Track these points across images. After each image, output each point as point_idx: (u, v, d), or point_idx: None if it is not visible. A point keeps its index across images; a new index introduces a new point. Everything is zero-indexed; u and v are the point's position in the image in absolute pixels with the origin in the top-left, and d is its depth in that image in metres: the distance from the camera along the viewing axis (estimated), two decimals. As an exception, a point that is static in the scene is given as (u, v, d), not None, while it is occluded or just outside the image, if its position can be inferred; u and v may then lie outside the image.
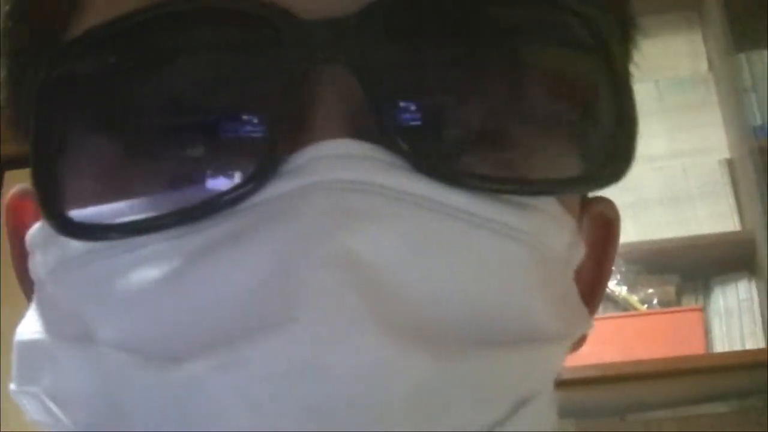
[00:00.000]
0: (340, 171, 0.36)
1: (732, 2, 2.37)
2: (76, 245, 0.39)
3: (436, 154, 0.37)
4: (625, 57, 0.42)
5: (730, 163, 2.32)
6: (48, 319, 0.41)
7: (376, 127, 0.37)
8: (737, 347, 2.14)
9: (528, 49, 0.40)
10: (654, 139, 2.27)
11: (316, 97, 0.37)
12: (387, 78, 0.37)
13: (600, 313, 0.51)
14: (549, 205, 0.40)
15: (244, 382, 0.34)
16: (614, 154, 0.40)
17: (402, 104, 0.37)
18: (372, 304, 0.34)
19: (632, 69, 0.51)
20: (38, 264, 0.42)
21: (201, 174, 0.38)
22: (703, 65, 2.46)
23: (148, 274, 0.37)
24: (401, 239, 0.35)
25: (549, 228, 0.40)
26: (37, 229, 0.42)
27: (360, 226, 0.35)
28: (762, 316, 2.17)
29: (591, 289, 0.50)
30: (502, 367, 0.37)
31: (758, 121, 2.33)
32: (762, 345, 2.12)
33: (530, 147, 0.40)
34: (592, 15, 0.39)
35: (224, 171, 0.37)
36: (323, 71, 0.37)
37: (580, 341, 0.50)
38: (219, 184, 0.37)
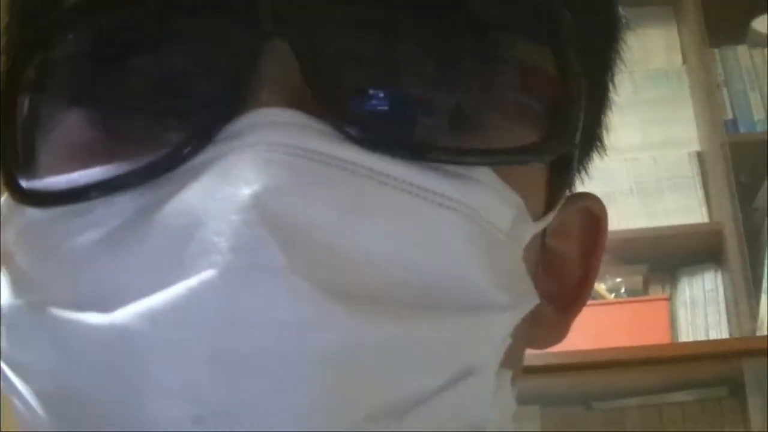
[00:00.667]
0: (270, 135, 0.37)
1: (707, -3, 2.40)
2: (33, 213, 0.40)
3: (368, 124, 0.38)
4: (572, 39, 0.41)
5: (700, 156, 2.35)
6: (12, 288, 0.42)
7: (312, 97, 0.38)
8: (702, 337, 2.17)
9: (468, 21, 0.41)
10: (626, 131, 2.29)
11: (259, 69, 0.38)
12: (322, 51, 0.38)
13: (567, 300, 0.52)
14: (489, 178, 0.40)
15: (165, 330, 0.35)
16: (551, 132, 0.41)
17: (337, 76, 0.39)
18: (293, 260, 0.34)
19: (618, 63, 0.52)
20: (6, 235, 0.43)
21: (144, 141, 0.39)
22: (678, 59, 2.49)
23: (91, 237, 0.38)
24: (327, 201, 0.36)
25: (489, 201, 0.40)
26: (4, 201, 0.43)
27: (285, 185, 0.36)
28: (726, 306, 2.19)
29: (580, 284, 0.52)
30: (437, 334, 0.38)
31: (729, 116, 2.36)
32: (725, 335, 2.15)
33: (465, 119, 0.41)
34: (544, 3, 0.41)
35: (166, 137, 0.38)
36: (267, 45, 0.38)
37: (557, 336, 0.51)
38: (160, 149, 0.38)
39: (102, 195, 0.38)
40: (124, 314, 0.36)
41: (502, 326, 0.40)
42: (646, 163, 2.31)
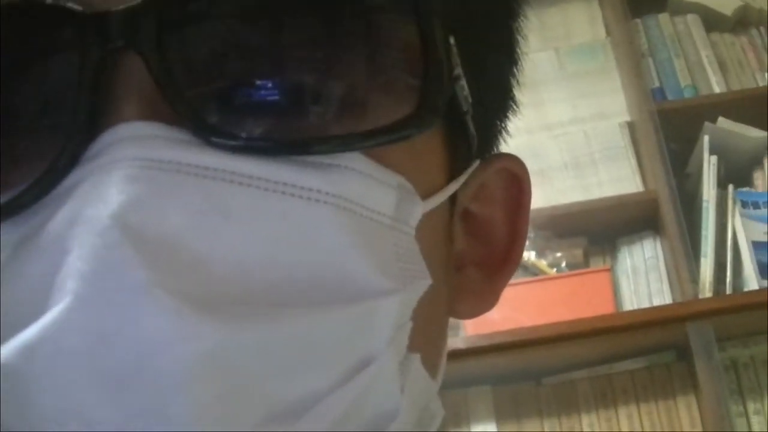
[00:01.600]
0: (128, 150, 0.36)
1: (626, -32, 2.42)
2: None
3: (223, 126, 0.38)
4: (438, 18, 0.41)
5: (631, 126, 2.37)
6: None
7: (166, 107, 0.38)
8: (645, 304, 2.19)
9: (324, 8, 0.40)
10: (555, 107, 2.31)
11: (113, 84, 0.38)
12: (172, 59, 0.38)
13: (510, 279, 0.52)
14: (360, 164, 0.40)
15: (41, 361, 0.35)
16: (415, 107, 0.40)
17: (188, 82, 0.38)
18: (155, 275, 0.34)
19: (530, 37, 0.52)
20: None
21: (14, 170, 0.39)
22: (601, 32, 2.50)
23: None
24: (188, 211, 0.36)
25: (360, 186, 0.39)
26: None
27: (143, 201, 0.35)
28: (667, 273, 2.22)
29: (508, 247, 0.51)
30: (320, 330, 0.37)
31: (656, 84, 2.39)
32: (668, 301, 2.18)
33: (324, 105, 0.40)
34: None
35: (33, 166, 0.38)
36: (119, 60, 0.38)
37: (486, 304, 0.51)
38: (29, 177, 0.38)
39: None
40: (5, 350, 0.35)
41: (391, 311, 0.39)
42: (577, 137, 2.33)
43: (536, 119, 2.28)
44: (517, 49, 0.51)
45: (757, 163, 2.32)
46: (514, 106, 0.52)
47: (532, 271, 2.21)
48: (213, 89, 0.39)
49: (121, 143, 0.37)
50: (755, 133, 2.30)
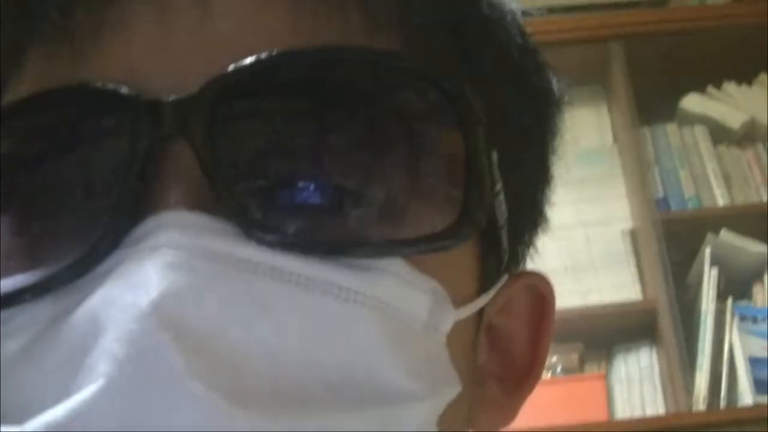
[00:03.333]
0: (172, 238, 0.37)
1: (636, 77, 2.43)
2: None
3: (267, 221, 0.39)
4: (483, 131, 0.41)
5: (633, 234, 2.37)
6: None
7: (211, 198, 0.38)
8: (638, 413, 2.17)
9: (370, 114, 0.41)
10: (559, 210, 2.29)
11: (162, 172, 0.39)
12: (222, 151, 0.39)
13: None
14: (398, 268, 0.40)
15: None
16: (455, 221, 0.40)
17: (234, 175, 0.39)
18: (191, 365, 0.34)
19: (557, 137, 0.52)
20: None
21: (56, 248, 0.39)
22: (608, 138, 2.52)
23: (10, 347, 0.39)
24: (227, 303, 0.36)
25: (397, 290, 0.39)
26: None
27: (184, 290, 0.36)
28: (662, 383, 2.20)
29: (529, 365, 0.50)
30: (349, 429, 0.37)
31: (660, 194, 2.39)
32: (662, 411, 2.16)
33: (368, 211, 0.40)
34: (451, 90, 0.41)
35: (76, 243, 0.38)
36: (167, 148, 0.39)
37: (505, 419, 0.51)
38: (71, 255, 0.38)
39: (14, 304, 0.39)
40: (31, 426, 0.35)
41: (417, 416, 0.39)
42: (579, 241, 2.33)
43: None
44: (552, 168, 0.52)
45: (757, 277, 2.32)
46: (545, 223, 0.53)
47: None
48: (258, 185, 0.40)
49: (165, 230, 0.37)
50: (757, 247, 2.30)
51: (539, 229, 0.52)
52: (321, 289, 0.38)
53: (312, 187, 0.40)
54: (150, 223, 0.38)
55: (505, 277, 0.48)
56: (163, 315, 0.35)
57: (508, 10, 0.48)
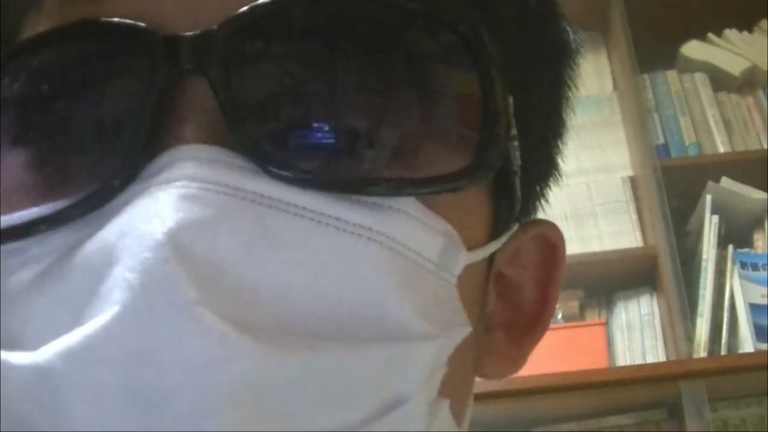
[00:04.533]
0: (188, 171, 0.37)
1: (636, 24, 2.42)
2: None
3: (282, 157, 0.39)
4: (496, 65, 0.42)
5: (633, 181, 2.37)
6: None
7: (227, 133, 0.39)
8: (638, 361, 2.17)
9: (386, 54, 0.42)
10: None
11: (179, 106, 0.39)
12: (239, 87, 0.39)
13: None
14: (412, 208, 0.40)
15: (79, 367, 0.35)
16: (473, 159, 0.41)
17: (250, 111, 0.39)
18: (203, 294, 0.35)
19: (571, 88, 0.53)
20: None
21: (72, 180, 0.40)
22: (608, 85, 2.51)
23: (23, 276, 0.39)
24: (240, 235, 0.37)
25: (410, 230, 0.40)
26: None
27: (198, 222, 0.36)
28: (662, 330, 2.21)
29: (536, 314, 0.51)
30: (356, 365, 0.37)
31: (660, 141, 2.39)
32: (662, 358, 2.17)
33: (383, 149, 0.41)
34: (466, 31, 0.41)
35: (93, 176, 0.39)
36: (184, 84, 0.39)
37: (512, 367, 0.51)
38: (87, 188, 0.39)
39: (31, 235, 0.39)
40: (43, 353, 0.36)
41: (426, 355, 0.40)
42: (579, 189, 2.32)
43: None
44: (564, 118, 0.53)
45: (758, 224, 2.32)
46: (557, 174, 0.53)
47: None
48: (273, 122, 0.40)
49: (181, 163, 0.38)
50: (757, 194, 2.29)
51: (551, 180, 0.53)
52: (334, 225, 0.38)
53: (326, 127, 0.40)
54: (166, 156, 0.38)
55: (515, 226, 0.49)
56: (177, 245, 0.35)
57: None
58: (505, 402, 2.05)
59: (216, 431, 0.35)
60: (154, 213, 0.36)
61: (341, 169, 0.40)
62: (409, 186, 0.40)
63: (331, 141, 0.40)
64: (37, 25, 0.44)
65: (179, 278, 0.35)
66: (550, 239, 0.52)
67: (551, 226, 0.52)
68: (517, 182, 0.46)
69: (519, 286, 0.51)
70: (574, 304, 2.26)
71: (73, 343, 0.35)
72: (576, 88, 0.52)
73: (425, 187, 0.40)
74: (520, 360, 0.51)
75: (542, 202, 0.53)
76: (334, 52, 0.41)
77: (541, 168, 0.51)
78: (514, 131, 0.43)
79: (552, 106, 0.51)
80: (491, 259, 0.47)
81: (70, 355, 0.35)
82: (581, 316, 2.28)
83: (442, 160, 0.41)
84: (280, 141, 0.40)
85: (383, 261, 0.39)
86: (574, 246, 2.23)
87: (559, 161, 0.53)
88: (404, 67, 0.42)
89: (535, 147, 0.48)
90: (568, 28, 0.51)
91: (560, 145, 0.53)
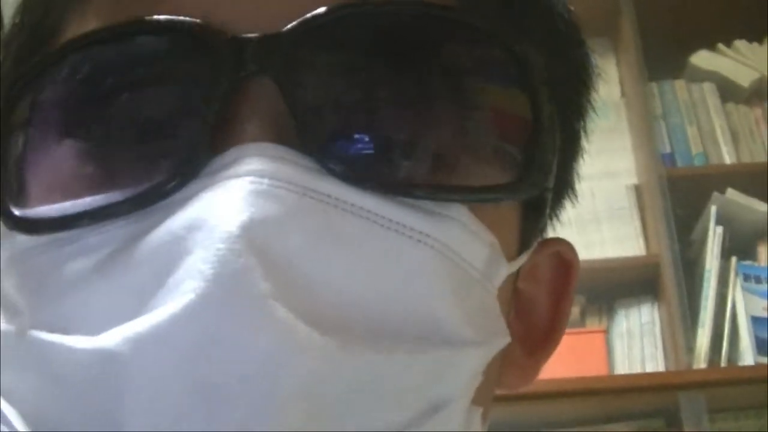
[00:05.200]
0: (256, 167, 0.38)
1: (646, 31, 2.42)
2: (24, 241, 0.42)
3: (346, 159, 0.40)
4: (544, 82, 0.43)
5: (638, 189, 2.37)
6: (2, 314, 0.43)
7: (296, 134, 0.39)
8: (638, 369, 2.18)
9: (443, 67, 0.43)
10: (564, 162, 2.30)
11: (243, 105, 0.40)
12: (306, 89, 0.40)
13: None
14: (464, 217, 0.41)
15: (147, 353, 0.36)
16: (524, 172, 0.42)
17: (317, 113, 0.40)
18: (275, 288, 0.36)
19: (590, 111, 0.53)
20: None
21: (134, 172, 0.40)
22: (616, 91, 2.50)
23: (81, 264, 0.40)
24: (308, 232, 0.38)
25: (462, 238, 0.41)
26: None
27: (270, 217, 0.37)
28: (663, 339, 2.21)
29: (549, 327, 0.52)
30: (407, 367, 0.39)
31: (667, 149, 2.39)
32: (662, 367, 2.17)
33: (441, 159, 0.42)
34: (520, 51, 0.43)
35: (156, 168, 0.40)
36: (249, 84, 0.40)
37: (526, 379, 0.52)
38: (151, 180, 0.40)
39: (92, 223, 0.40)
40: (108, 337, 0.37)
41: (471, 362, 0.41)
42: (583, 195, 2.25)
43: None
44: (583, 142, 0.54)
45: (762, 237, 2.31)
46: (572, 196, 0.55)
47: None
48: (336, 125, 0.41)
49: (250, 158, 0.38)
50: (762, 206, 2.30)
51: (564, 201, 0.55)
52: (394, 228, 0.39)
53: (386, 132, 0.41)
54: (233, 153, 0.39)
55: (534, 244, 0.50)
56: (251, 239, 0.36)
57: None
58: (503, 407, 2.04)
59: (283, 426, 0.36)
60: (226, 206, 0.37)
61: (400, 173, 0.41)
62: (466, 193, 0.42)
63: (391, 146, 0.41)
64: (85, 21, 0.45)
65: (253, 271, 0.36)
66: (566, 257, 0.53)
67: (567, 245, 0.53)
68: (550, 199, 0.49)
69: (533, 301, 0.52)
70: (575, 310, 2.25)
71: (141, 329, 0.36)
72: (595, 113, 0.54)
73: (478, 196, 0.42)
74: (532, 373, 0.52)
75: (555, 221, 0.54)
76: (395, 59, 0.42)
77: (559, 187, 0.52)
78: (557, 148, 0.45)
79: (573, 128, 0.52)
80: (516, 272, 0.48)
81: (138, 340, 0.36)
82: (582, 322, 2.28)
83: (493, 172, 0.42)
84: (343, 143, 0.41)
85: (438, 267, 0.40)
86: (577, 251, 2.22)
87: (575, 182, 0.54)
88: (461, 80, 0.43)
89: (557, 167, 0.49)
90: (589, 53, 0.52)
91: (576, 167, 0.54)
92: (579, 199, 0.55)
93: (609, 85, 2.48)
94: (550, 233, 0.54)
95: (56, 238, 0.41)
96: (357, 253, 0.39)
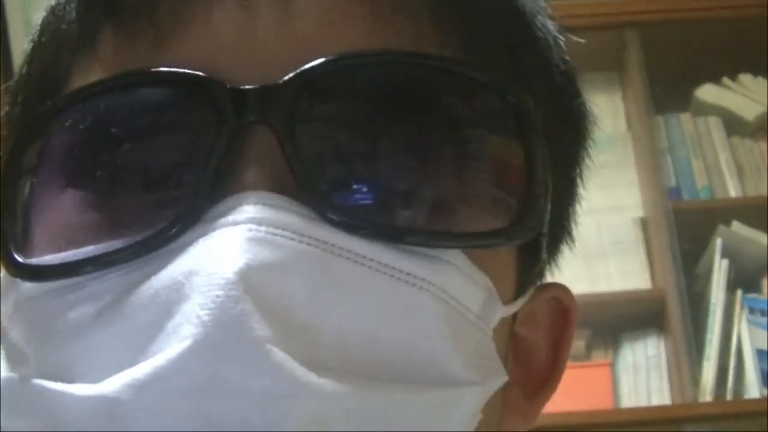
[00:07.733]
0: (254, 215, 0.39)
1: (652, 65, 2.42)
2: (28, 289, 0.42)
3: (343, 209, 0.41)
4: (538, 130, 0.44)
5: (644, 222, 2.36)
6: (7, 361, 0.43)
7: (294, 183, 0.40)
8: (644, 403, 2.17)
9: (440, 117, 0.44)
10: (570, 196, 2.30)
11: (243, 155, 0.41)
12: (304, 139, 0.41)
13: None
14: (460, 261, 0.42)
15: (148, 398, 0.37)
16: (519, 218, 0.43)
17: (315, 163, 0.41)
18: (273, 333, 0.37)
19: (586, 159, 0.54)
20: (3, 309, 0.45)
21: (134, 220, 0.41)
22: (622, 125, 2.50)
23: (83, 311, 0.41)
24: (307, 279, 0.38)
25: (457, 282, 0.42)
26: (3, 276, 0.45)
27: (267, 264, 0.38)
28: (669, 372, 2.20)
29: (548, 372, 0.52)
30: (406, 407, 0.39)
31: (673, 183, 2.38)
32: (668, 401, 2.16)
33: (437, 206, 0.43)
34: (518, 101, 0.43)
35: (155, 217, 0.41)
36: (249, 134, 0.41)
37: (525, 423, 0.52)
38: (150, 228, 0.40)
39: (95, 270, 0.41)
40: (108, 384, 0.37)
41: (470, 400, 0.42)
42: (589, 228, 2.31)
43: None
44: (580, 188, 0.55)
45: (767, 270, 2.31)
46: (569, 240, 0.55)
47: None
48: (333, 173, 0.42)
49: (248, 206, 0.39)
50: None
51: (562, 245, 0.55)
52: (390, 273, 0.40)
53: (382, 181, 0.42)
54: (231, 200, 0.40)
55: (532, 288, 0.50)
56: (248, 284, 0.37)
57: (553, 36, 0.50)
58: (508, 440, 2.04)
59: None
60: (224, 253, 0.38)
61: (396, 220, 0.42)
62: (462, 238, 0.42)
63: (388, 194, 0.42)
64: (91, 70, 0.45)
65: (251, 316, 0.36)
66: (563, 302, 0.53)
67: (565, 290, 0.54)
68: (544, 243, 0.49)
69: (532, 346, 0.52)
70: (581, 344, 2.25)
71: (141, 375, 0.37)
72: (591, 160, 0.54)
73: (476, 241, 0.43)
74: (532, 415, 0.52)
75: (553, 266, 0.54)
76: (393, 109, 0.43)
77: (556, 233, 0.53)
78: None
79: (570, 174, 0.53)
80: (513, 318, 0.49)
81: (139, 386, 0.37)
82: (587, 355, 2.27)
83: (488, 218, 0.43)
84: (340, 191, 0.41)
85: (435, 311, 0.41)
86: (582, 285, 2.22)
87: (573, 228, 0.55)
88: (458, 129, 0.44)
89: (552, 212, 0.50)
90: (586, 102, 0.53)
91: (573, 213, 0.55)
92: (585, 232, 0.56)
93: (615, 118, 2.49)
94: (549, 278, 0.54)
95: (60, 285, 0.41)
96: (354, 298, 0.39)
